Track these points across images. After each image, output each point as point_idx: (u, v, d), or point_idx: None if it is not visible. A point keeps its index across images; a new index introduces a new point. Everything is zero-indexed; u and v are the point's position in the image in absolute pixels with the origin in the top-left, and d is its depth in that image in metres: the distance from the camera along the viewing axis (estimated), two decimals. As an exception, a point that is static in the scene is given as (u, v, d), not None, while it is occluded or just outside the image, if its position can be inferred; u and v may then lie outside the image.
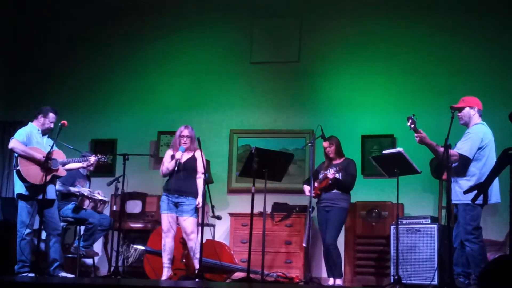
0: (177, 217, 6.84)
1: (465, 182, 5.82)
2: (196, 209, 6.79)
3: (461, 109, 6.04)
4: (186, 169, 6.79)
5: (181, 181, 6.72)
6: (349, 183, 6.97)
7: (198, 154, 6.88)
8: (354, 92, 8.61)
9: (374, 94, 8.55)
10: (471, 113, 6.00)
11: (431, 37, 8.49)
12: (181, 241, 7.09)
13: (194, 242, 6.72)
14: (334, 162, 7.01)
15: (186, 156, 6.86)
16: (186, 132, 6.90)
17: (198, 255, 6.54)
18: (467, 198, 5.53)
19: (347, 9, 8.88)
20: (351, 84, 8.66)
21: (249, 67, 9.01)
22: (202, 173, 6.82)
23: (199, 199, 6.81)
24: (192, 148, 6.93)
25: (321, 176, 7.00)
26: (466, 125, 6.04)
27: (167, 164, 6.87)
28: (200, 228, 6.58)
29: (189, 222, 6.74)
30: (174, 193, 6.78)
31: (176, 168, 6.74)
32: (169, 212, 6.82)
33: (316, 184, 6.93)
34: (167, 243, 6.81)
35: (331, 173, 6.81)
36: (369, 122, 8.45)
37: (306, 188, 7.02)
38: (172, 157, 6.85)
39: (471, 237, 5.78)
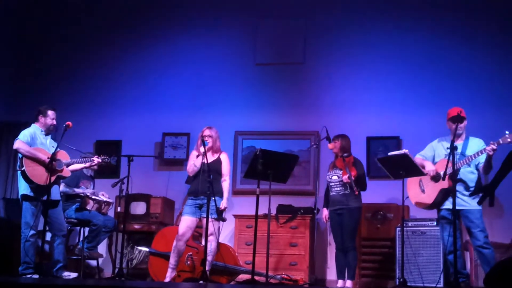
0: (198, 220, 6.71)
1: None
2: (220, 212, 6.63)
3: (463, 120, 6.17)
4: (211, 171, 6.53)
5: (206, 182, 6.41)
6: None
7: (223, 157, 6.87)
8: (359, 93, 8.59)
9: (379, 96, 8.52)
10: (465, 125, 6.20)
11: (437, 39, 8.46)
12: (186, 243, 7.04)
13: (210, 243, 6.55)
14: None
15: (210, 158, 6.72)
16: (206, 132, 6.82)
17: (210, 258, 6.52)
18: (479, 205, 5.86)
19: (352, 10, 8.86)
20: (356, 86, 8.64)
21: (253, 68, 9.00)
22: (227, 176, 6.81)
23: (224, 202, 6.72)
24: (216, 149, 6.87)
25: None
26: (459, 136, 6.11)
27: (193, 161, 6.77)
28: (219, 231, 6.61)
29: (210, 223, 6.48)
30: (200, 194, 6.59)
31: (201, 170, 6.61)
32: (191, 216, 6.70)
33: None
34: (179, 246, 6.70)
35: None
36: (374, 124, 8.43)
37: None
38: (197, 156, 6.76)
39: (488, 240, 5.98)
